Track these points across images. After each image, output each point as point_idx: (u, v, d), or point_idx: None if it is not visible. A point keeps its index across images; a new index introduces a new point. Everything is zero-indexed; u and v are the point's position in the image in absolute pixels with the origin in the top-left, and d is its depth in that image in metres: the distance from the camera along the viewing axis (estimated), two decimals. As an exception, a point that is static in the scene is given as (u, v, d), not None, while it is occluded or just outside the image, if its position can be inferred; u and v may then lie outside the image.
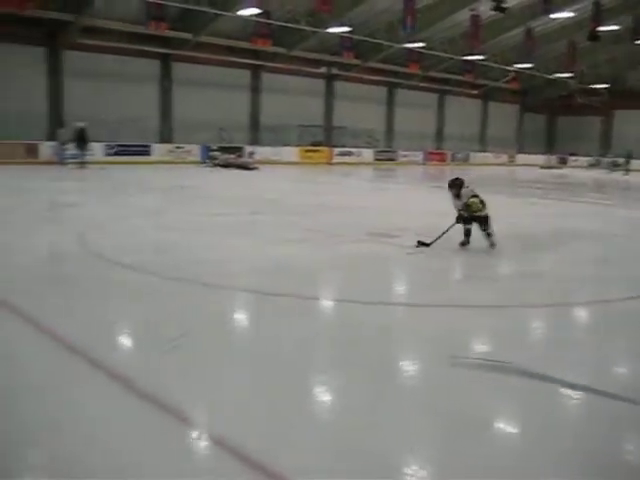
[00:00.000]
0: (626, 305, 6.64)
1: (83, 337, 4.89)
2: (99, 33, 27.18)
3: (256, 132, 35.15)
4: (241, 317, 6.12)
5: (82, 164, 24.51)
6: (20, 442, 3.35)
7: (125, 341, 5.17)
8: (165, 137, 31.26)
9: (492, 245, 9.27)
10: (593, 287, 7.61)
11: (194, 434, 3.53)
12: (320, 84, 38.29)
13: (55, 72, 27.63)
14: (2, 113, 25.00)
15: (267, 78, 35.01)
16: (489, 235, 9.25)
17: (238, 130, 33.40)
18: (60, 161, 25.27)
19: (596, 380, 4.44)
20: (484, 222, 9.19)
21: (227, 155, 28.89)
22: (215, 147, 30.12)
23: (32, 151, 26.02)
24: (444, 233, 9.04)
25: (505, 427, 3.86)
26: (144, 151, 28.80)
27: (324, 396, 4.18)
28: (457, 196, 9.29)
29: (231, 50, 31.90)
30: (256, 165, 28.33)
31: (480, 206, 9.06)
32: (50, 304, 5.86)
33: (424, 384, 4.38)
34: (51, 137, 26.69)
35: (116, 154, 27.41)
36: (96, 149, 26.87)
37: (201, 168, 28.10)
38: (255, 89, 35.08)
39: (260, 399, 3.96)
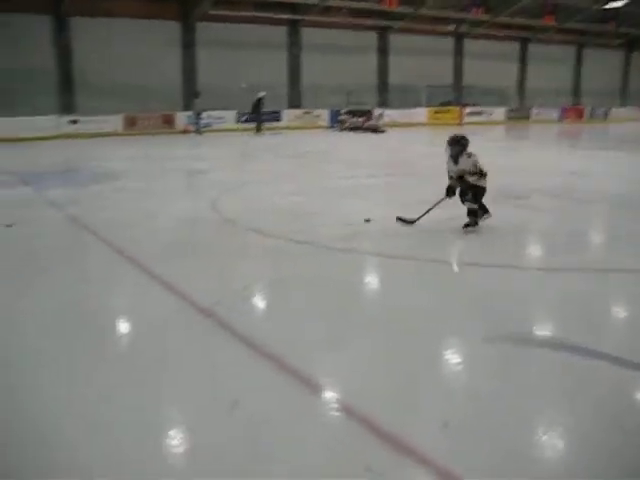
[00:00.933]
0: None
1: (211, 297, 5.08)
2: (229, 3, 27.78)
3: (384, 94, 34.83)
4: (368, 280, 6.13)
5: (258, 130, 26.13)
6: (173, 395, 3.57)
7: (254, 304, 5.31)
8: (294, 102, 31.63)
9: (468, 225, 7.48)
10: None
11: (323, 402, 3.58)
12: (449, 43, 37.29)
13: (188, 44, 28.56)
14: (142, 86, 26.24)
15: (394, 39, 34.49)
16: (472, 213, 7.48)
17: (366, 93, 33.23)
18: (196, 130, 26.20)
19: None
20: (473, 191, 7.43)
21: (356, 118, 28.84)
22: (343, 111, 30.15)
23: (169, 121, 27.17)
24: (431, 209, 7.68)
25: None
26: (275, 117, 29.28)
27: (454, 364, 4.11)
28: (454, 159, 7.49)
29: (358, 12, 31.67)
30: (385, 127, 28.14)
31: (477, 180, 7.41)
32: (183, 267, 6.12)
33: (557, 354, 4.22)
34: (186, 107, 27.68)
35: (247, 121, 28.06)
36: (228, 117, 27.78)
37: (330, 132, 28.29)
38: (383, 50, 34.68)
39: (389, 366, 3.96)
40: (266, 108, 26.84)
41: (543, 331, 4.60)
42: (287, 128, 28.49)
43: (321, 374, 3.79)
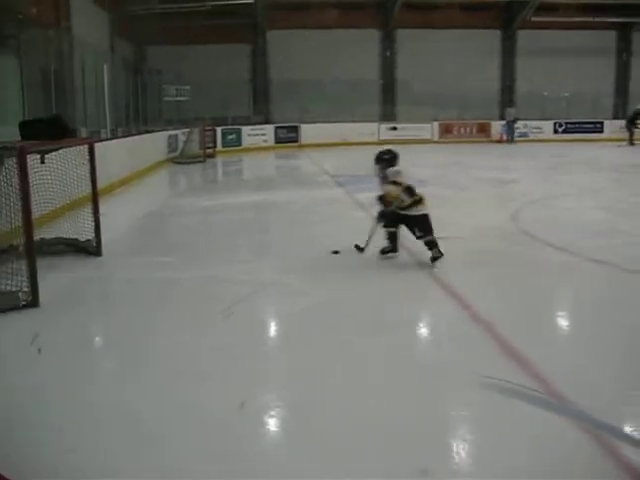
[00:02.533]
0: None
1: (488, 306, 5.16)
2: (550, 10, 27.05)
3: None
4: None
5: (631, 143, 24.75)
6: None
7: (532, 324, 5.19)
8: (619, 113, 29.63)
9: (436, 258, 6.37)
10: None
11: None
12: None
13: (508, 52, 28.40)
14: (459, 95, 26.68)
15: None
16: (429, 245, 6.40)
17: None
18: (508, 139, 26.04)
19: None
20: (416, 224, 6.43)
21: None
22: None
23: (484, 130, 27.40)
24: (370, 237, 6.82)
25: None
26: (595, 128, 27.78)
27: None
28: (383, 178, 6.66)
29: None
30: None
31: (402, 198, 6.41)
32: (464, 274, 6.29)
33: None
34: (502, 116, 27.59)
35: (564, 132, 27.09)
36: (545, 127, 27.14)
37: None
38: None
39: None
40: (583, 118, 25.57)
41: None
42: (610, 140, 26.80)
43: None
